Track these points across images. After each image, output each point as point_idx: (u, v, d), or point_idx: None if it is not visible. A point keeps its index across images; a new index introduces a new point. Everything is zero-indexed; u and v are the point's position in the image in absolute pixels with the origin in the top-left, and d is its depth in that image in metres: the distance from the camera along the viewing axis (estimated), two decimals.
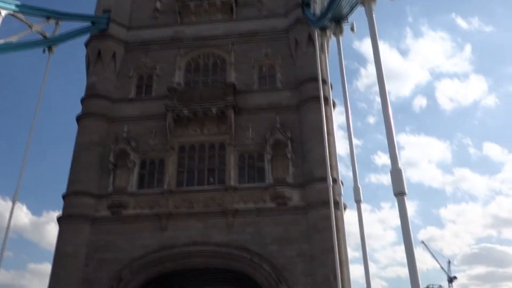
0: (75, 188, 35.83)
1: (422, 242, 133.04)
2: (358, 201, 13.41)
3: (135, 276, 33.18)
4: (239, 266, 33.01)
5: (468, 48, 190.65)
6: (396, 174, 7.13)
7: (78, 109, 39.72)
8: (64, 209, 35.64)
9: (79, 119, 38.71)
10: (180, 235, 33.97)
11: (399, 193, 7.29)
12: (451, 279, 67.76)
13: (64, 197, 36.16)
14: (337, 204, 31.89)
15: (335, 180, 32.47)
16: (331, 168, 28.31)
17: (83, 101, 39.54)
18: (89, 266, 33.60)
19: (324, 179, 29.45)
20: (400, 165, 7.25)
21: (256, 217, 33.86)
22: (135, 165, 36.68)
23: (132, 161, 36.46)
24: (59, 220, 35.36)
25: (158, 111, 38.06)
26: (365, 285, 12.60)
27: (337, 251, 25.43)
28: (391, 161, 7.26)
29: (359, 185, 13.43)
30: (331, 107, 32.07)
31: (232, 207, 34.25)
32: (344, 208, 33.24)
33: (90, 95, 39.31)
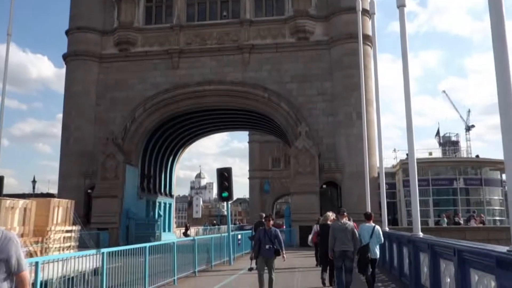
0: (78, 23, 32.97)
1: (444, 91, 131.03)
2: (401, 6, 10.52)
3: (149, 116, 32.05)
4: (256, 105, 31.34)
5: None
6: None
7: None
8: (69, 46, 33.30)
9: None
10: (193, 74, 31.87)
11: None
12: (468, 128, 66.68)
13: (67, 33, 33.56)
14: (367, 37, 28.66)
15: (366, 11, 28.78)
16: None
17: None
18: (101, 105, 32.42)
19: (352, 8, 25.68)
20: None
21: (274, 53, 31.13)
22: None
23: None
24: (65, 58, 33.29)
25: None
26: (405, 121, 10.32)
27: (363, 89, 23.00)
28: None
29: None
30: None
31: (248, 42, 31.37)
32: (372, 43, 30.05)
33: None
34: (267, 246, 9.61)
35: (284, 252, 9.82)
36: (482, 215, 32.05)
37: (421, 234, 9.97)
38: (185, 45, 32.27)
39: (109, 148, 30.19)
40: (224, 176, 16.62)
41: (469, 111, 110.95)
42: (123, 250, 9.01)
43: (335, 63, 29.91)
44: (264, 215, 17.75)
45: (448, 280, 7.51)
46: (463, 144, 52.84)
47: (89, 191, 30.77)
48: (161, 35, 32.71)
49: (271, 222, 10.18)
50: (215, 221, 78.18)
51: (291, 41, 31.05)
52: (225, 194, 16.50)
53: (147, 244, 10.16)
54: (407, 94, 10.67)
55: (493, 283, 5.53)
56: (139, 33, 32.84)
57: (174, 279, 11.79)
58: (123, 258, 9.26)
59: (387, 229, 15.23)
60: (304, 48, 30.78)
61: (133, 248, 9.51)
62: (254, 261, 9.91)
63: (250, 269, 10.18)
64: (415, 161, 10.74)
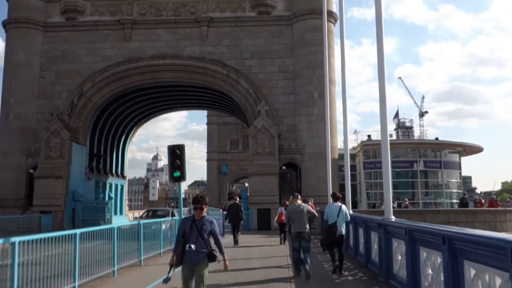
0: None
1: (399, 78, 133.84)
2: None
3: (98, 90, 29.85)
4: (214, 82, 29.72)
5: None
6: None
7: None
8: (9, 12, 30.44)
9: None
10: (147, 46, 29.87)
11: None
12: (422, 114, 68.28)
13: None
14: (330, 14, 27.66)
15: None
16: None
17: None
18: (46, 78, 29.93)
19: None
20: None
21: (234, 27, 29.52)
22: None
23: None
24: (5, 25, 30.43)
25: None
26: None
27: (327, 67, 21.89)
28: None
29: None
30: None
31: (207, 15, 29.59)
32: (335, 21, 29.13)
33: None
34: (194, 246, 5.96)
35: (225, 256, 6.16)
36: (406, 200, 32.10)
37: (393, 218, 8.92)
38: (139, 15, 30.15)
39: (54, 124, 27.88)
40: (176, 153, 15.01)
41: (423, 97, 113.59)
42: (40, 238, 7.36)
43: (297, 40, 28.63)
44: (238, 193, 16.25)
45: (430, 271, 6.44)
46: (416, 130, 53.11)
47: (31, 170, 28.45)
48: (112, 4, 30.41)
49: (205, 208, 6.22)
50: (172, 204, 76.24)
51: (251, 15, 29.52)
52: (176, 173, 14.89)
53: (78, 230, 8.60)
54: (381, 62, 9.52)
55: (498, 279, 4.41)
56: (88, 1, 30.39)
57: (113, 270, 10.30)
58: (53, 246, 7.72)
59: (351, 212, 14.24)
60: (265, 23, 29.34)
61: (57, 236, 7.88)
62: (173, 269, 6.20)
63: (166, 280, 6.15)
64: (388, 142, 9.65)
